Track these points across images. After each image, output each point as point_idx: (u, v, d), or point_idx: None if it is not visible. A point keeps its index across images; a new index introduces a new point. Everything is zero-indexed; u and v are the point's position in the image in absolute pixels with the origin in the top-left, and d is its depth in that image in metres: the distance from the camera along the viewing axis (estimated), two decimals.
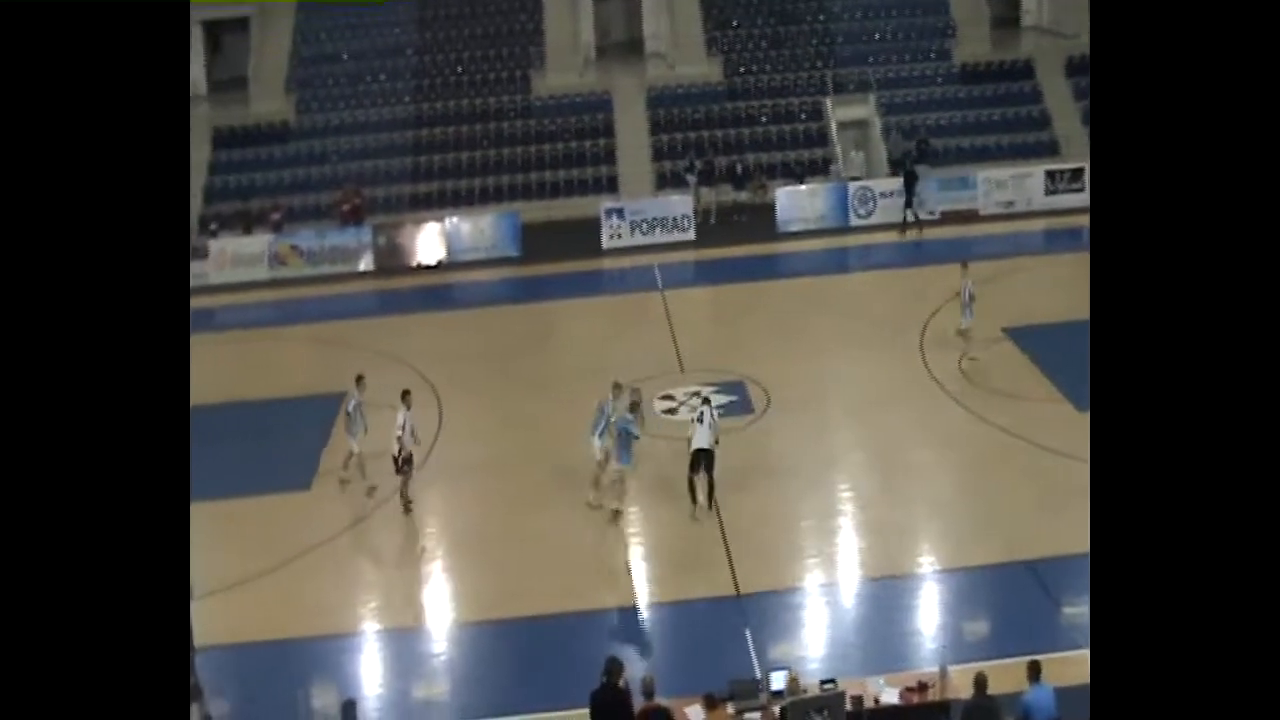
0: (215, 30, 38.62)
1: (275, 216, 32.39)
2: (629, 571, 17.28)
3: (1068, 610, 15.57)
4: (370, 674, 15.46)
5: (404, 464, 18.41)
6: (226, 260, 31.17)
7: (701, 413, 18.01)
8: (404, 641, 15.92)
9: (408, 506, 18.67)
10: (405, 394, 18.65)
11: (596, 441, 18.13)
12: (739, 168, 33.51)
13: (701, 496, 17.76)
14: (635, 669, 12.82)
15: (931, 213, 31.79)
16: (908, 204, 30.93)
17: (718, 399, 21.40)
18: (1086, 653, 14.39)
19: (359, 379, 19.35)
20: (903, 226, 30.91)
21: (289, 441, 21.20)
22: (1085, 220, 31.21)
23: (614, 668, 12.19)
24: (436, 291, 29.57)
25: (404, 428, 18.30)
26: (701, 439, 17.70)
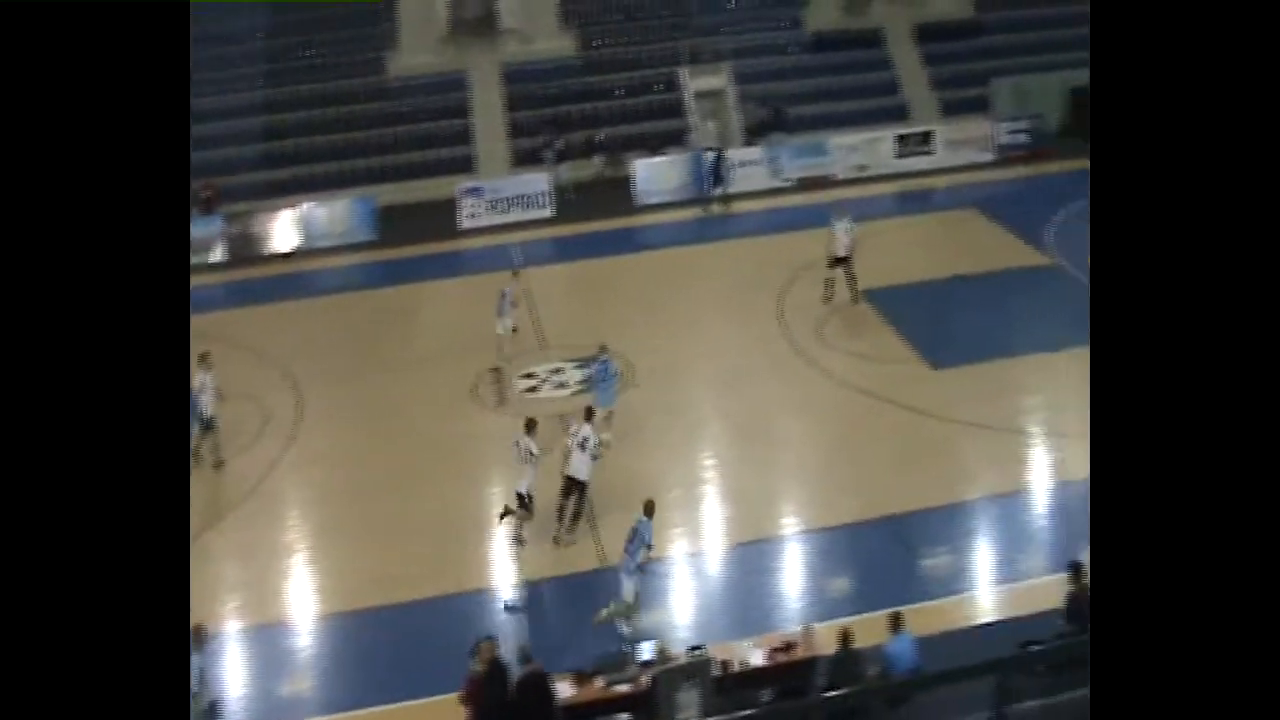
0: None
1: None
2: (493, 552, 17.08)
3: (925, 562, 15.93)
4: (233, 673, 15.02)
5: (205, 425, 19.12)
6: None
7: (584, 438, 16.61)
8: (264, 636, 15.53)
9: (218, 464, 19.38)
10: (204, 356, 19.07)
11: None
12: (596, 142, 33.40)
13: (567, 519, 16.74)
14: (503, 648, 12.68)
15: (787, 179, 32.22)
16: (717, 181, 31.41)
17: (578, 374, 21.43)
18: (943, 603, 14.91)
19: (203, 356, 19.21)
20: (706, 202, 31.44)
21: None
22: (934, 182, 32.26)
23: (482, 646, 12.24)
24: (291, 280, 28.79)
25: (203, 389, 18.87)
26: (579, 468, 16.56)
